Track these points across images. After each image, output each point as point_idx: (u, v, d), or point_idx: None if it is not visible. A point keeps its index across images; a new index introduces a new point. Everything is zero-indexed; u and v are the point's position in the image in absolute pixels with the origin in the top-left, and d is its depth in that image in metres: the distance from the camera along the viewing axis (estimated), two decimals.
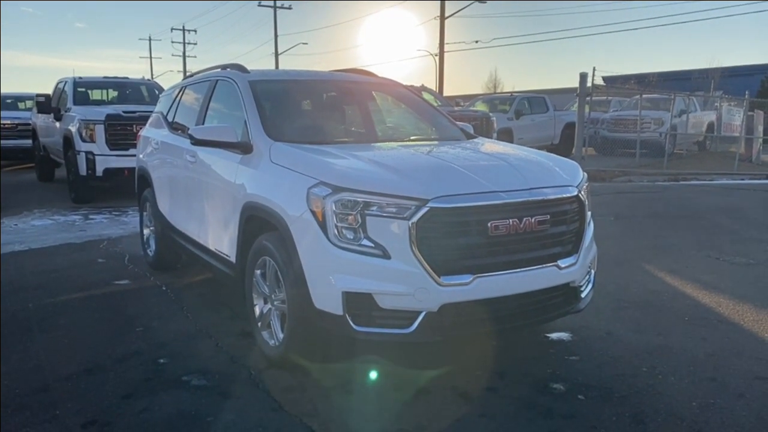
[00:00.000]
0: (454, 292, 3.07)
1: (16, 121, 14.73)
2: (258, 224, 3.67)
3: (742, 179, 13.71)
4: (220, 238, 4.23)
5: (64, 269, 5.83)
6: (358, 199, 3.08)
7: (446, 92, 30.38)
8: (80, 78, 11.61)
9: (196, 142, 4.08)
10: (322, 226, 3.13)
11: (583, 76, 12.75)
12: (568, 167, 3.75)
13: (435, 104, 7.16)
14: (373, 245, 3.07)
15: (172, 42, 61.01)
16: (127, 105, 10.74)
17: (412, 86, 11.98)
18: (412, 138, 4.74)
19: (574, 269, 3.44)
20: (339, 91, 5.04)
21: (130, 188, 6.53)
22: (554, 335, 4.06)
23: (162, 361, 3.68)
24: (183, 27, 56.94)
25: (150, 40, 63.34)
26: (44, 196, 10.69)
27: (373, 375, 3.48)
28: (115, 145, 9.44)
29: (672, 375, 3.48)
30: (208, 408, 3.10)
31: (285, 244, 3.34)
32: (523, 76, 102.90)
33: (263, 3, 43.12)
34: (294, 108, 4.69)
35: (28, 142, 13.76)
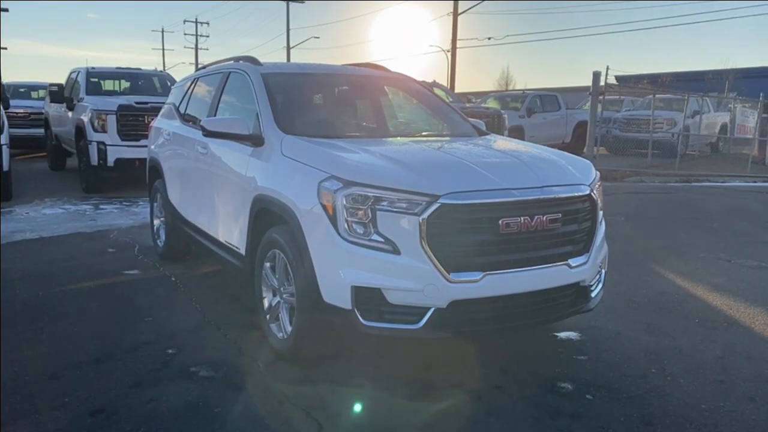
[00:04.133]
0: (464, 289, 3.06)
1: (29, 110, 14.82)
2: (268, 217, 3.67)
3: (755, 182, 13.60)
4: (230, 230, 4.23)
5: (74, 258, 5.86)
6: (369, 194, 3.07)
7: (458, 88, 30.26)
8: (93, 68, 11.66)
9: (208, 134, 4.08)
10: (333, 220, 3.13)
11: (596, 75, 12.66)
12: (580, 166, 3.72)
13: (447, 100, 7.13)
14: (383, 240, 3.06)
15: (185, 34, 61.24)
16: (139, 96, 10.77)
17: (423, 82, 11.94)
18: (423, 134, 4.73)
19: (584, 268, 3.42)
20: (351, 86, 5.03)
21: (141, 179, 6.55)
22: (563, 334, 4.05)
23: (170, 351, 3.69)
24: (196, 19, 57.13)
25: (163, 31, 63.56)
26: (55, 185, 10.75)
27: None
28: (127, 135, 9.47)
29: (681, 377, 3.46)
30: (215, 399, 3.11)
31: (295, 238, 3.34)
32: (536, 74, 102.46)
33: None
34: (306, 101, 4.69)
35: (41, 131, 13.85)
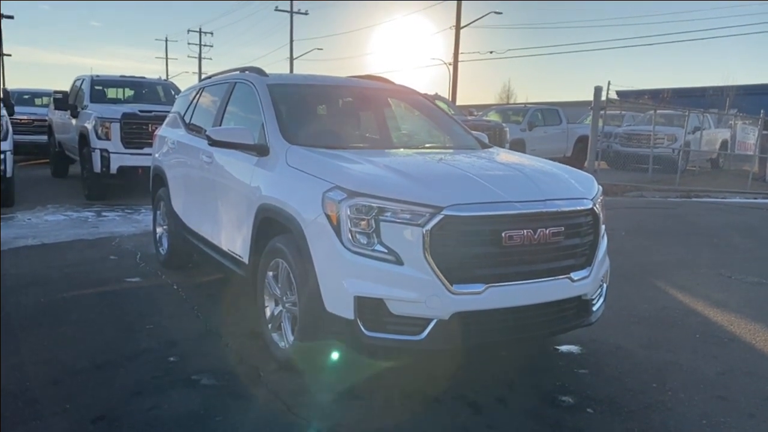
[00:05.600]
0: (466, 301, 3.07)
1: (33, 117, 14.87)
2: (272, 226, 3.69)
3: (755, 198, 13.62)
4: (234, 239, 4.25)
5: (76, 265, 5.87)
6: (373, 205, 3.09)
7: (459, 102, 30.35)
8: (97, 76, 11.71)
9: (213, 143, 4.11)
10: (336, 230, 3.15)
11: (597, 90, 12.70)
12: (583, 180, 3.75)
13: (449, 113, 7.17)
14: (386, 251, 3.07)
15: (189, 43, 61.89)
16: (143, 104, 10.82)
17: (426, 94, 11.97)
18: (427, 145, 4.76)
19: (586, 282, 3.43)
20: (355, 97, 5.07)
21: (144, 187, 6.59)
22: (564, 348, 4.05)
23: (172, 359, 3.69)
24: (200, 29, 57.54)
25: (166, 40, 63.86)
26: (58, 192, 10.76)
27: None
28: (130, 143, 9.50)
29: (682, 392, 3.46)
30: (216, 408, 3.11)
31: (298, 247, 3.35)
32: (537, 88, 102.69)
33: (280, 8, 43.35)
34: (311, 112, 4.72)
35: (44, 137, 13.89)
